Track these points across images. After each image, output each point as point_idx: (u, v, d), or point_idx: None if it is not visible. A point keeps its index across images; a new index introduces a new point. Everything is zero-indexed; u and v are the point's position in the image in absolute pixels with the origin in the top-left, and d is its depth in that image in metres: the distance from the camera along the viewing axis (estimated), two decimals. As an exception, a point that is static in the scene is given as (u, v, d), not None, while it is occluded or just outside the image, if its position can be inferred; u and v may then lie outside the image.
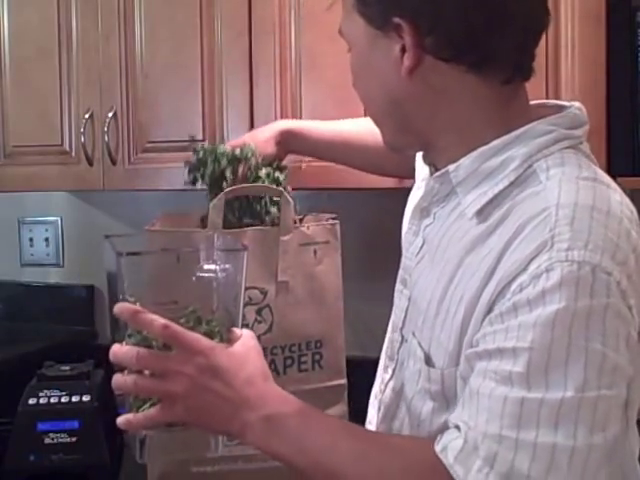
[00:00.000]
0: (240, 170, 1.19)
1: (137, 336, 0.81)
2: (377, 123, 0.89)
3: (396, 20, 0.77)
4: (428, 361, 0.81)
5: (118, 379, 0.81)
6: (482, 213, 0.78)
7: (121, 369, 0.82)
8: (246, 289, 1.20)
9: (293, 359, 1.23)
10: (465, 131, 0.81)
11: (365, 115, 1.32)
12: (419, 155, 1.06)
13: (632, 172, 1.21)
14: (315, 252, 1.26)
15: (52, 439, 1.39)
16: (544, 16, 0.80)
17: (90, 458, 1.39)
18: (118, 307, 0.80)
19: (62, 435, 1.39)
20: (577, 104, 0.83)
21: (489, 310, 0.73)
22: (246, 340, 0.85)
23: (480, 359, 0.73)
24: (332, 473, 0.77)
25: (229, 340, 0.84)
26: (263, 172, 1.21)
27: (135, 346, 0.80)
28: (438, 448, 0.73)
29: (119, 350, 0.81)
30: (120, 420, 0.81)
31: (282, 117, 1.39)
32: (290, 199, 1.23)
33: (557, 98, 1.21)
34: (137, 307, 0.80)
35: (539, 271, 0.69)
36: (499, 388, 0.70)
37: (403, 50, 0.78)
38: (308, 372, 1.24)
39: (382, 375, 0.96)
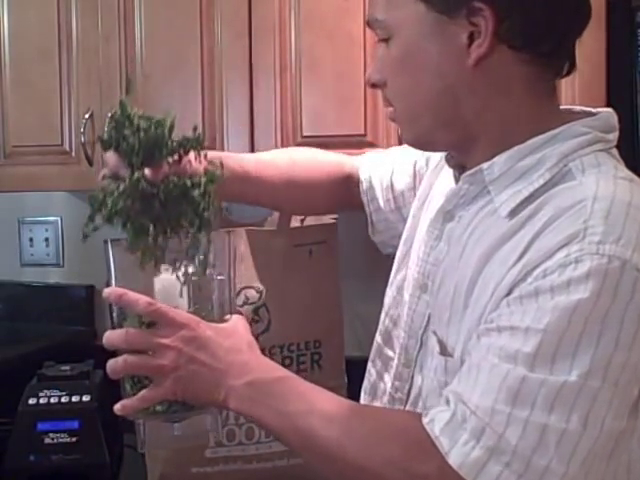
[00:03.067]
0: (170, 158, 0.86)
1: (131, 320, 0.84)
2: (412, 118, 0.84)
3: (477, 4, 0.75)
4: (445, 352, 0.81)
5: (110, 362, 0.82)
6: (515, 211, 0.78)
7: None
8: (242, 289, 1.22)
9: (292, 359, 1.24)
10: (509, 126, 0.80)
11: (365, 112, 1.32)
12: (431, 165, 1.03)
13: (632, 172, 1.20)
14: (311, 252, 1.26)
15: (52, 439, 1.39)
16: (590, 12, 0.81)
17: (90, 458, 1.39)
18: (106, 291, 0.84)
19: (62, 435, 1.39)
20: (609, 110, 0.83)
21: (508, 292, 0.73)
22: (234, 318, 0.89)
23: (488, 335, 0.73)
24: (308, 437, 0.78)
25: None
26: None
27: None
28: (426, 420, 0.73)
29: (111, 333, 0.83)
30: (116, 406, 0.83)
31: (282, 117, 1.40)
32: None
33: (557, 98, 1.21)
34: (123, 289, 0.83)
35: (567, 260, 0.69)
36: (502, 364, 0.70)
37: (470, 37, 0.76)
38: (307, 372, 1.24)
39: (396, 384, 0.93)
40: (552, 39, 0.77)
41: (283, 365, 1.24)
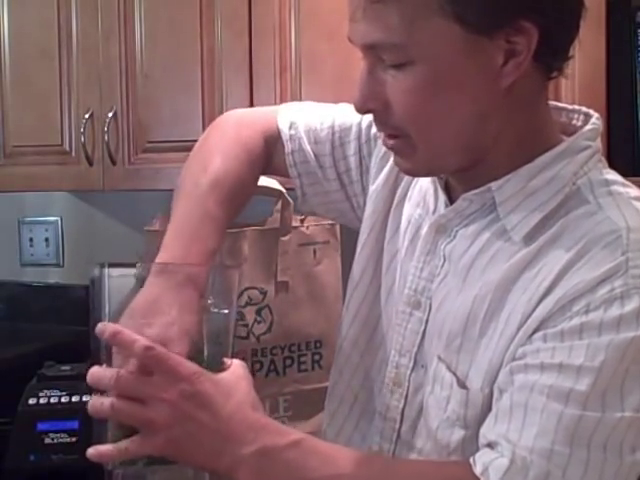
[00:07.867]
0: None
1: None
2: (432, 147, 0.76)
3: (525, 24, 0.69)
4: (462, 384, 0.77)
5: (95, 401, 0.73)
6: (530, 235, 0.75)
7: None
8: (245, 289, 1.22)
9: (293, 359, 1.24)
10: (521, 141, 0.77)
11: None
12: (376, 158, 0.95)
13: (632, 172, 1.21)
14: (315, 252, 1.26)
15: (52, 439, 1.39)
16: None
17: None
18: (100, 326, 0.73)
19: (62, 435, 1.39)
20: (595, 114, 0.81)
21: (540, 325, 0.71)
22: (235, 369, 0.78)
23: (526, 371, 0.71)
24: None
25: (220, 371, 0.77)
26: None
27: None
28: (478, 470, 0.69)
29: (97, 370, 0.74)
30: (90, 451, 0.74)
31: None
32: (290, 199, 1.23)
33: (557, 98, 1.21)
34: (118, 326, 0.73)
35: (612, 296, 0.68)
36: (552, 403, 0.68)
37: (505, 57, 0.71)
38: (308, 372, 1.24)
39: (387, 402, 0.88)
40: (570, 48, 0.75)
41: (284, 365, 1.25)
